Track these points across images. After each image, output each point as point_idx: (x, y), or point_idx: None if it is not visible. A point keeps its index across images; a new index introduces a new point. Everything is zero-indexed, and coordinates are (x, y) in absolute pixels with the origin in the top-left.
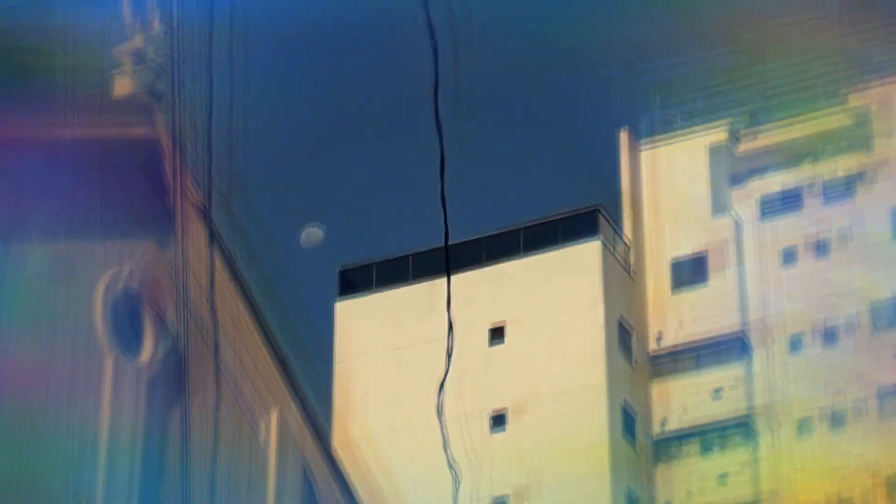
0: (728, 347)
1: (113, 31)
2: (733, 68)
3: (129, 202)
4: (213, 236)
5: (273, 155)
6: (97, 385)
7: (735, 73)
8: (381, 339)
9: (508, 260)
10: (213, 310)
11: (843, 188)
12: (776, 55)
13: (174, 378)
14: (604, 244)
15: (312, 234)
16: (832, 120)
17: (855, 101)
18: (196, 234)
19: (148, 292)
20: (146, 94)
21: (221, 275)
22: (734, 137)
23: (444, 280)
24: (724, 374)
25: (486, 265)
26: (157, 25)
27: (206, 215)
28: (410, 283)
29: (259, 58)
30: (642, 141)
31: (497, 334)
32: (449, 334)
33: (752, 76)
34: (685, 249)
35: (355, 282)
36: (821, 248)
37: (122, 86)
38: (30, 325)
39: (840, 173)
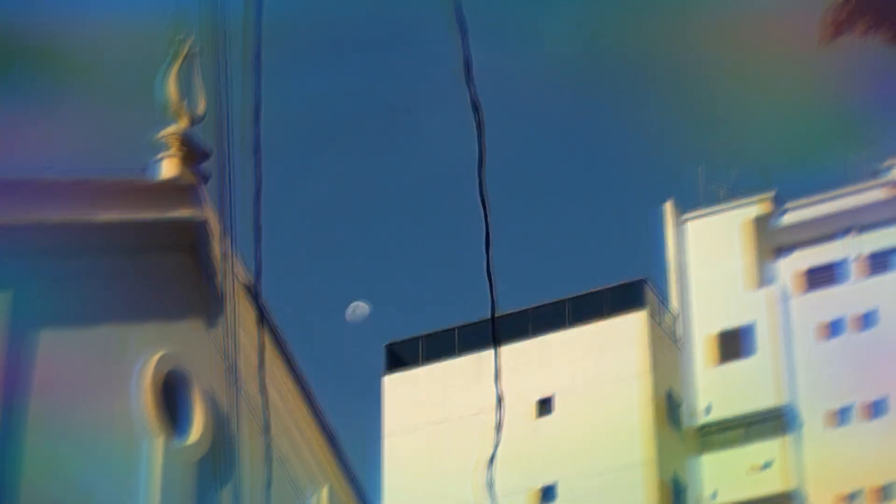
0: (776, 419)
1: (158, 114)
2: (776, 142)
3: (176, 283)
4: (262, 315)
5: (320, 233)
6: (147, 467)
7: (778, 147)
8: (429, 413)
9: (555, 331)
10: (262, 388)
11: (887, 260)
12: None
13: (224, 458)
14: (650, 315)
15: (359, 308)
16: (875, 193)
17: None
18: (245, 314)
19: (197, 372)
20: (193, 176)
21: (271, 353)
22: (779, 209)
23: (490, 352)
24: (773, 446)
25: (533, 337)
26: (202, 107)
27: (254, 294)
28: (457, 356)
29: (306, 137)
30: (688, 213)
31: (545, 407)
32: (498, 408)
33: (794, 150)
34: (732, 321)
35: (402, 356)
36: (867, 320)
37: (168, 167)
38: (78, 407)
39: (884, 245)
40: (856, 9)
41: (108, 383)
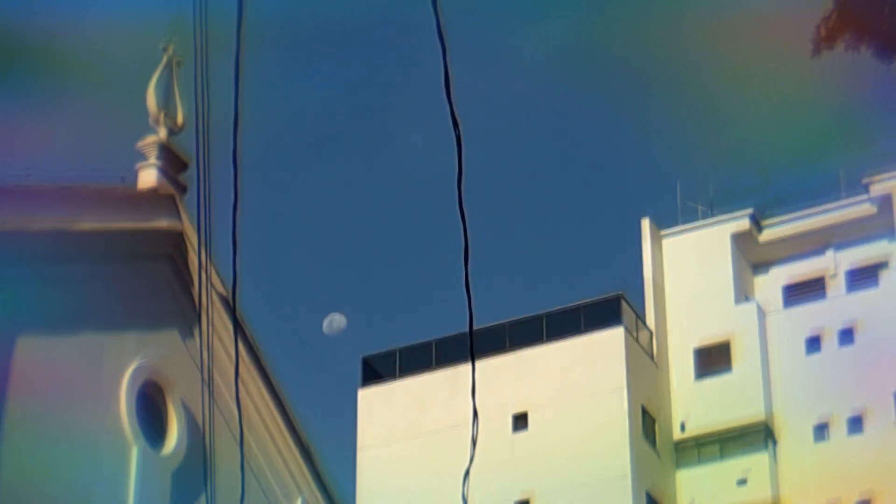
0: (752, 435)
1: (147, 120)
2: (757, 156)
3: (153, 293)
4: (237, 326)
5: (298, 244)
6: (122, 476)
7: (759, 162)
8: (404, 427)
9: (531, 347)
10: (237, 399)
11: (867, 276)
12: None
13: (199, 468)
14: (627, 331)
15: (335, 320)
16: (855, 210)
17: (877, 190)
18: (221, 324)
19: (173, 382)
20: (170, 186)
21: (246, 364)
22: (757, 225)
23: (467, 367)
24: (749, 463)
25: (509, 352)
26: (181, 118)
27: (231, 305)
28: (433, 370)
29: (285, 149)
30: (665, 229)
31: (521, 422)
32: (474, 422)
33: (775, 165)
34: (709, 337)
35: (378, 369)
36: (845, 335)
37: (147, 178)
38: (55, 414)
39: (863, 261)
40: (841, 23)
41: (84, 392)
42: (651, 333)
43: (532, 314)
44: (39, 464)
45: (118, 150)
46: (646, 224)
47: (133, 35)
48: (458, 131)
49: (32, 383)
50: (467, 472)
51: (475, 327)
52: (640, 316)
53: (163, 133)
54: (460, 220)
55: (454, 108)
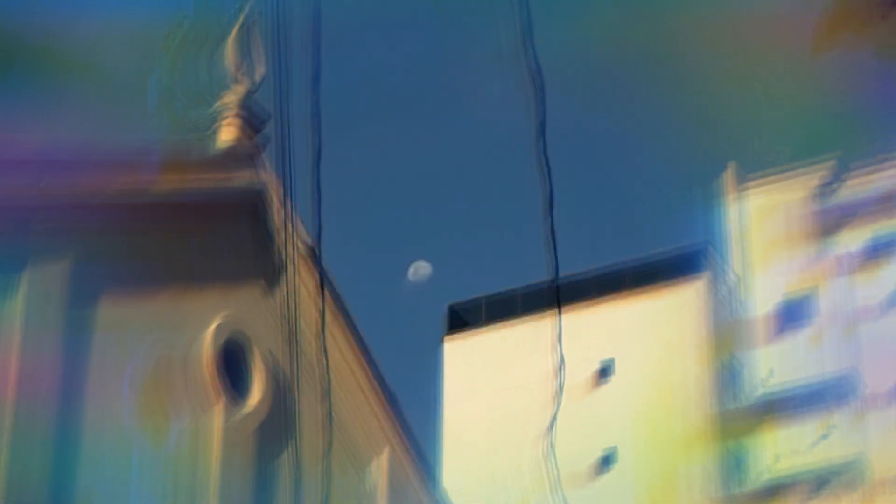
0: (837, 389)
1: (218, 79)
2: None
3: (236, 249)
4: (322, 279)
5: (379, 196)
6: (207, 432)
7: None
8: (490, 377)
9: (614, 298)
10: (324, 353)
11: None
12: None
13: (284, 423)
14: (710, 283)
15: (420, 268)
16: None
17: None
18: (305, 278)
19: (257, 338)
20: (252, 141)
21: (331, 317)
22: (842, 177)
23: (552, 317)
24: (834, 417)
25: (592, 303)
26: (260, 72)
27: (315, 258)
28: (519, 320)
29: (364, 103)
30: (748, 180)
31: (604, 373)
32: (559, 373)
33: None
34: (792, 290)
35: (464, 318)
36: None
37: (228, 133)
38: (138, 372)
39: None
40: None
41: (168, 350)
42: (734, 285)
43: (615, 265)
44: (122, 424)
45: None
46: (729, 175)
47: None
48: (541, 79)
49: (115, 344)
50: (552, 424)
51: (560, 277)
52: (724, 268)
53: (241, 89)
54: (543, 169)
55: (534, 57)
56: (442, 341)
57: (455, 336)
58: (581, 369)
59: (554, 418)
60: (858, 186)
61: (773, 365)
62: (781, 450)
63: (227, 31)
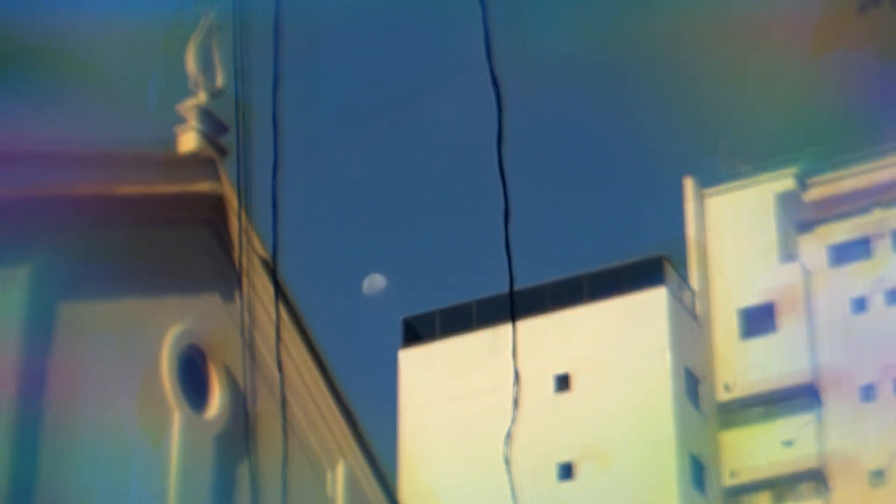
0: (798, 397)
1: (177, 86)
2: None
3: (194, 257)
4: (278, 289)
5: (338, 207)
6: (165, 441)
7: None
8: (446, 389)
9: (573, 307)
10: (279, 363)
11: None
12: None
13: (242, 433)
14: (670, 292)
15: (375, 281)
16: None
17: None
18: (262, 288)
19: (214, 347)
20: (211, 150)
21: (288, 327)
22: (802, 184)
23: (508, 327)
24: (795, 424)
25: (551, 313)
26: (220, 80)
27: (271, 269)
28: (474, 331)
29: (324, 114)
30: (708, 188)
31: (563, 383)
32: (515, 384)
33: (820, 123)
34: (753, 297)
35: (419, 330)
36: (892, 295)
37: (187, 141)
38: (96, 380)
39: None
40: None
41: (126, 357)
42: (694, 294)
43: (574, 275)
44: (80, 428)
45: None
46: (689, 183)
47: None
48: (499, 90)
49: (74, 349)
50: (509, 434)
51: (516, 288)
52: (684, 276)
53: (202, 97)
54: (500, 180)
55: (494, 67)
56: (397, 353)
57: (410, 348)
58: (541, 378)
59: (509, 430)
60: (821, 193)
61: (735, 372)
62: (742, 458)
63: (187, 39)
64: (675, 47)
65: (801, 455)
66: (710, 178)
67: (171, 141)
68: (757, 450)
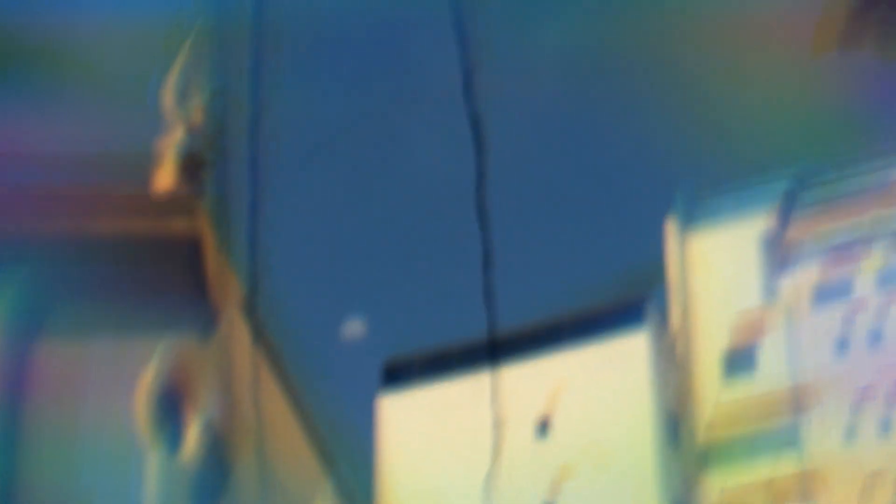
0: (781, 438)
1: (153, 123)
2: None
3: (171, 297)
4: (256, 332)
5: (318, 250)
6: (141, 481)
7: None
8: (426, 434)
9: (553, 352)
10: (256, 405)
11: None
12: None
13: (218, 474)
14: (651, 335)
15: (354, 327)
16: (887, 205)
17: None
18: (239, 330)
19: (190, 388)
20: (188, 189)
21: (266, 369)
22: (784, 224)
23: (486, 375)
24: (778, 466)
25: (531, 357)
26: (198, 117)
27: (249, 311)
28: (456, 376)
29: (303, 154)
30: (690, 229)
31: (543, 428)
32: (496, 431)
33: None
34: (735, 338)
35: (399, 376)
36: (874, 337)
37: (164, 179)
38: (73, 419)
39: (894, 260)
40: (846, 24)
41: (103, 397)
42: (676, 336)
43: (555, 318)
44: (58, 467)
45: (128, 147)
46: (670, 224)
47: (138, 32)
48: (479, 131)
49: (50, 388)
50: (491, 479)
51: (496, 332)
52: (664, 319)
53: (180, 133)
54: (479, 227)
55: (475, 106)
56: (377, 399)
57: (391, 393)
58: (521, 423)
59: (492, 476)
60: (803, 233)
61: (718, 414)
62: (726, 500)
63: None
64: (657, 82)
65: (785, 498)
66: (693, 218)
67: (147, 179)
68: (740, 492)
